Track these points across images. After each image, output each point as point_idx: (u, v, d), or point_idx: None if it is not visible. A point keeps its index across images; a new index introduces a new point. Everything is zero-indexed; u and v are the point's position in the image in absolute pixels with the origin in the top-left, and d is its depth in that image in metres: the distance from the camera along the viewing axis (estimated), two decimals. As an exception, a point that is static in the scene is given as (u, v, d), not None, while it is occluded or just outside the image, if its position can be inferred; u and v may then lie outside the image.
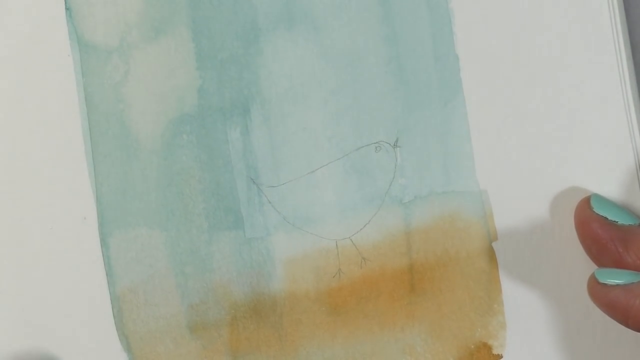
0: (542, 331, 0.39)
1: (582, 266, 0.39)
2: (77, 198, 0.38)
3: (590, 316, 0.39)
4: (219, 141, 0.39)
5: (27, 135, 0.38)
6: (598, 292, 0.36)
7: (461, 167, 0.39)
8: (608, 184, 0.38)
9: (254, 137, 0.39)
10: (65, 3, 0.37)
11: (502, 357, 0.40)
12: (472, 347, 0.40)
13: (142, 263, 0.38)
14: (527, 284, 0.39)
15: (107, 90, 0.38)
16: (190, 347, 0.39)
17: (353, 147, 0.39)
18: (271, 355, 0.39)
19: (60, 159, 0.38)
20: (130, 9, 0.38)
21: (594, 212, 0.37)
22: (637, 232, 0.37)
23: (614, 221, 0.37)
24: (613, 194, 0.38)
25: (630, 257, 0.36)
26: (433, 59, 0.39)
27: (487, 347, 0.40)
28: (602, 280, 0.35)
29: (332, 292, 0.39)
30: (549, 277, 0.39)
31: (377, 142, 0.39)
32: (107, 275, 0.38)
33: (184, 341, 0.39)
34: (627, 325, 0.35)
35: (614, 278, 0.35)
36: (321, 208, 0.39)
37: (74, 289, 0.38)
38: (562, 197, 0.39)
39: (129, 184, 0.38)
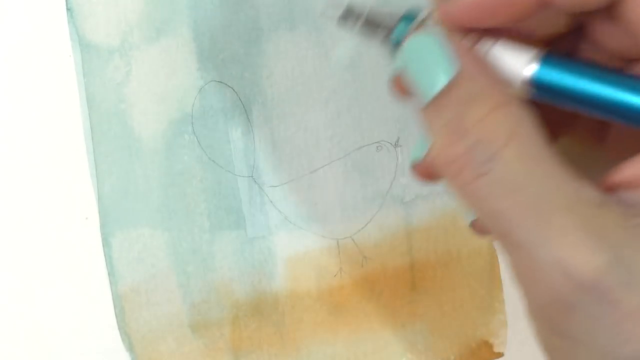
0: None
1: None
2: (79, 198, 0.38)
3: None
4: (221, 141, 0.39)
5: (28, 135, 0.38)
6: None
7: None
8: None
9: (256, 137, 0.39)
10: (67, 3, 0.37)
11: (503, 355, 0.40)
12: (474, 345, 0.40)
13: (144, 262, 0.38)
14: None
15: (109, 91, 0.38)
16: (192, 345, 0.39)
17: (354, 146, 0.39)
18: (273, 354, 0.39)
19: (62, 160, 0.38)
20: (131, 9, 0.38)
21: None
22: None
23: None
24: None
25: None
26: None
27: (489, 345, 0.40)
28: None
29: (333, 291, 0.40)
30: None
31: (378, 142, 0.39)
32: (109, 274, 0.38)
33: (186, 340, 0.39)
34: None
35: None
36: (322, 207, 0.39)
37: (76, 288, 0.38)
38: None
39: (131, 183, 0.38)
